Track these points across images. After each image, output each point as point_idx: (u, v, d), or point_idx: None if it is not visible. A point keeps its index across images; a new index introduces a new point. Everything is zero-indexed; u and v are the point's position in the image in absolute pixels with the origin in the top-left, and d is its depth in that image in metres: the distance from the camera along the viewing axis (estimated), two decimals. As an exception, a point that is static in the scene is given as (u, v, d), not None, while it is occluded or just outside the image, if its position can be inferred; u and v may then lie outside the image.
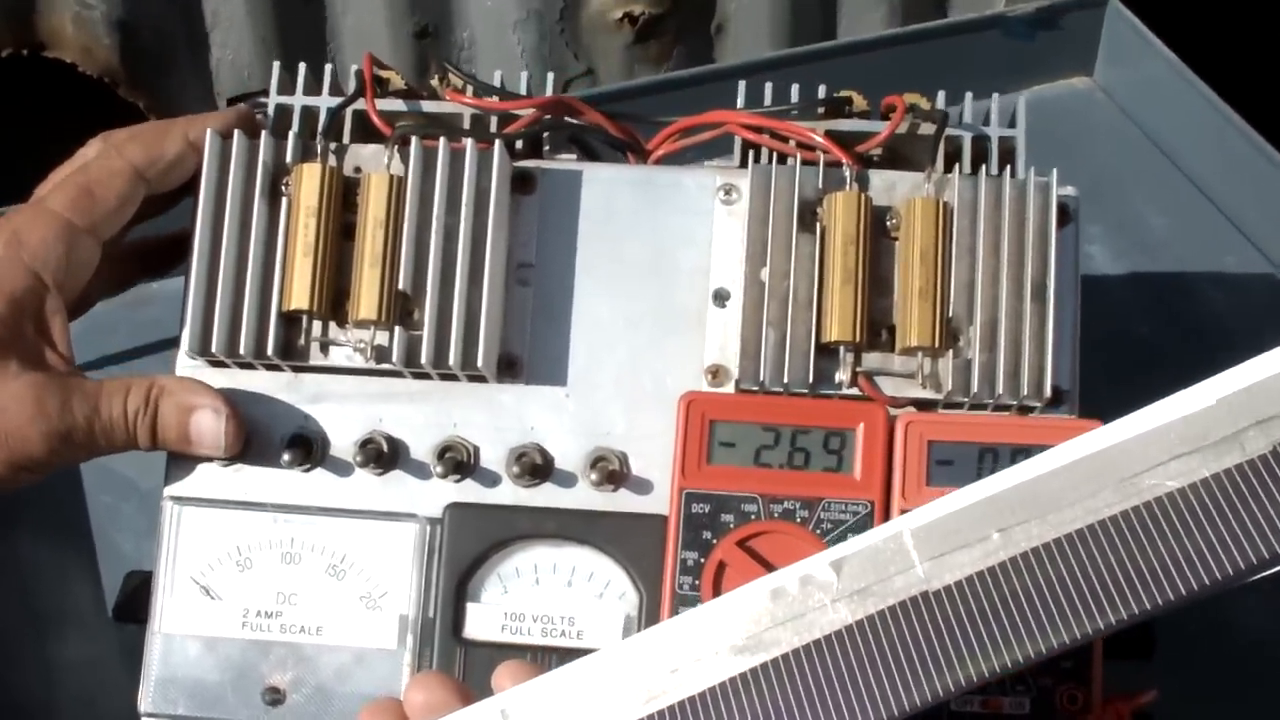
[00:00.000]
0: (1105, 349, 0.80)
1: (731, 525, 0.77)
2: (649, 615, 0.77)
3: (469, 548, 0.77)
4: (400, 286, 0.77)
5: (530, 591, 0.77)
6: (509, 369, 0.79)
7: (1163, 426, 0.58)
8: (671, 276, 0.79)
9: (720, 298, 0.79)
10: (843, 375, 0.78)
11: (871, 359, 0.77)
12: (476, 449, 0.78)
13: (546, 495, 0.77)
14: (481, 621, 0.77)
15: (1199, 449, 0.56)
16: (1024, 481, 0.59)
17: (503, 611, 0.77)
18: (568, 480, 0.78)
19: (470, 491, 0.78)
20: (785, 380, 0.76)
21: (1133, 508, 0.57)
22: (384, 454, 0.78)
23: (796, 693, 0.57)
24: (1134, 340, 1.11)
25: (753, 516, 0.77)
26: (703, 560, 0.76)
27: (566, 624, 0.77)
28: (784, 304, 0.78)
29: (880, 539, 0.59)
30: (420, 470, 0.78)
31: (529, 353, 0.79)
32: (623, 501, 0.77)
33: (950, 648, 0.56)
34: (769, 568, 0.75)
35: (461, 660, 0.77)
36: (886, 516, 0.76)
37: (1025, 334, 0.76)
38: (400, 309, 0.77)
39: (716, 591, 0.75)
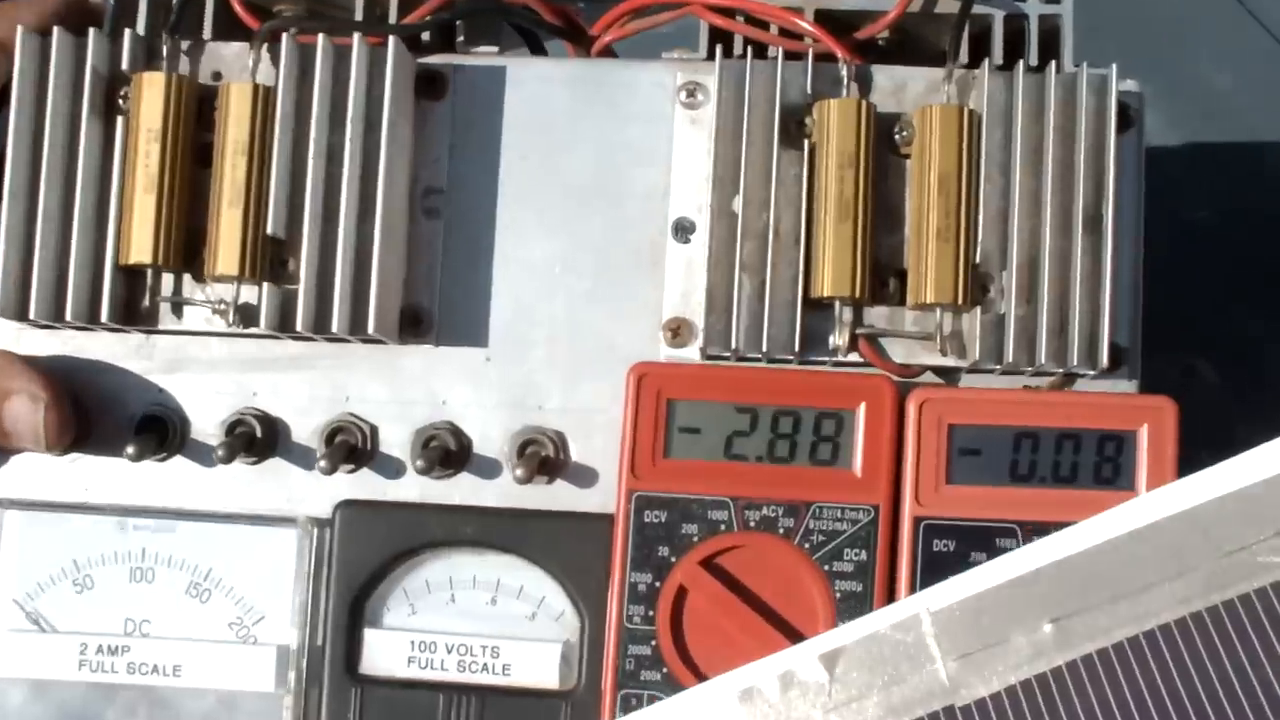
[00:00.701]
0: (1154, 242, 0.64)
1: (695, 539, 0.61)
2: (592, 644, 0.63)
3: (366, 557, 0.63)
4: (270, 230, 0.61)
5: (444, 613, 0.64)
6: (414, 327, 0.64)
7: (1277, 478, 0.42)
8: (620, 204, 0.64)
9: (682, 231, 0.64)
10: (838, 339, 0.62)
11: (876, 316, 0.63)
12: (374, 430, 0.65)
13: (463, 489, 0.64)
14: (383, 652, 0.64)
15: None
16: (1085, 550, 0.41)
17: (409, 640, 0.64)
18: (490, 470, 0.64)
19: (367, 485, 0.64)
20: (764, 345, 0.61)
21: (1240, 596, 0.40)
22: (258, 438, 0.64)
23: None
24: (1190, 229, 0.92)
25: (722, 527, 0.61)
26: (658, 584, 0.61)
27: (489, 656, 0.64)
28: (762, 243, 0.61)
29: (888, 624, 0.44)
30: (304, 458, 0.65)
31: (440, 306, 0.64)
32: (559, 497, 0.64)
33: None
34: (746, 595, 0.60)
35: (357, 703, 0.62)
36: (896, 526, 0.61)
37: (1075, 279, 0.61)
38: (271, 258, 0.62)
39: (676, 628, 0.60)
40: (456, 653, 0.63)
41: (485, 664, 0.63)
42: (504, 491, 0.63)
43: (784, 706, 0.44)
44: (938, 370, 0.63)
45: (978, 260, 0.61)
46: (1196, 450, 0.58)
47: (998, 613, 0.44)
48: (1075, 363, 0.60)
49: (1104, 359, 0.60)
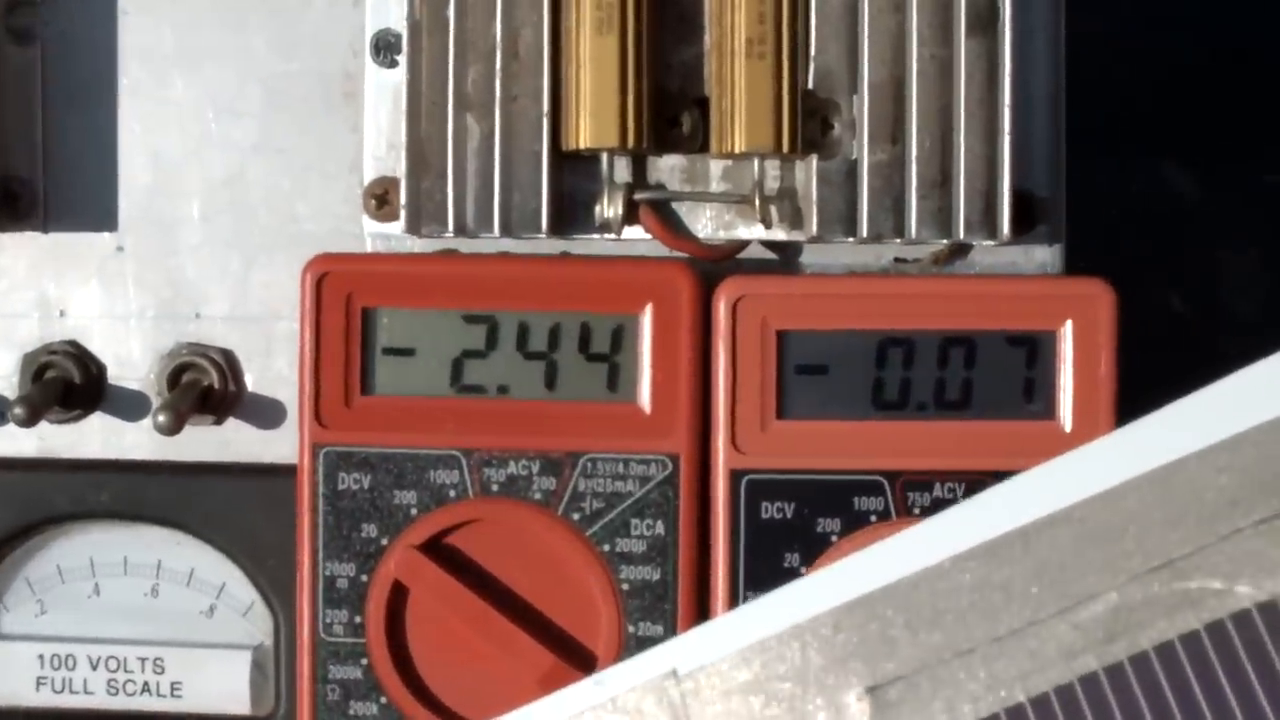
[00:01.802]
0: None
1: (414, 512, 0.43)
2: (292, 649, 0.45)
3: None
4: None
5: (85, 611, 0.48)
6: (9, 208, 0.47)
7: (1225, 446, 0.27)
8: (298, 13, 0.46)
9: (387, 50, 0.45)
10: (609, 208, 0.42)
11: (665, 171, 0.44)
12: None
13: (98, 438, 0.48)
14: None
15: None
16: (919, 571, 0.28)
17: (37, 654, 0.48)
18: (133, 408, 0.47)
19: None
20: (496, 220, 0.42)
21: (1180, 636, 0.26)
22: None
23: None
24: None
25: (452, 493, 0.43)
26: (364, 578, 0.43)
27: (152, 671, 0.48)
28: (489, 68, 0.42)
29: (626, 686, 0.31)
30: None
31: (44, 174, 0.47)
32: (233, 444, 0.47)
33: None
34: (491, 590, 0.43)
35: (-38, 750, 0.45)
36: (706, 484, 0.43)
37: (959, 103, 0.42)
38: None
39: (395, 639, 0.43)
40: (105, 668, 0.48)
41: (146, 683, 0.48)
42: (155, 439, 0.47)
43: None
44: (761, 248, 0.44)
45: (810, 84, 0.42)
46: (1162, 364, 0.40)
47: (782, 676, 0.29)
48: (964, 229, 0.42)
49: (1006, 222, 0.41)
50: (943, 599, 0.29)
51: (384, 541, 0.43)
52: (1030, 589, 0.28)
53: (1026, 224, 0.43)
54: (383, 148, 0.45)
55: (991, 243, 0.42)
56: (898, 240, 0.42)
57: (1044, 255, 0.44)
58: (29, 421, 0.44)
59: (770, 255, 0.44)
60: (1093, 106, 0.49)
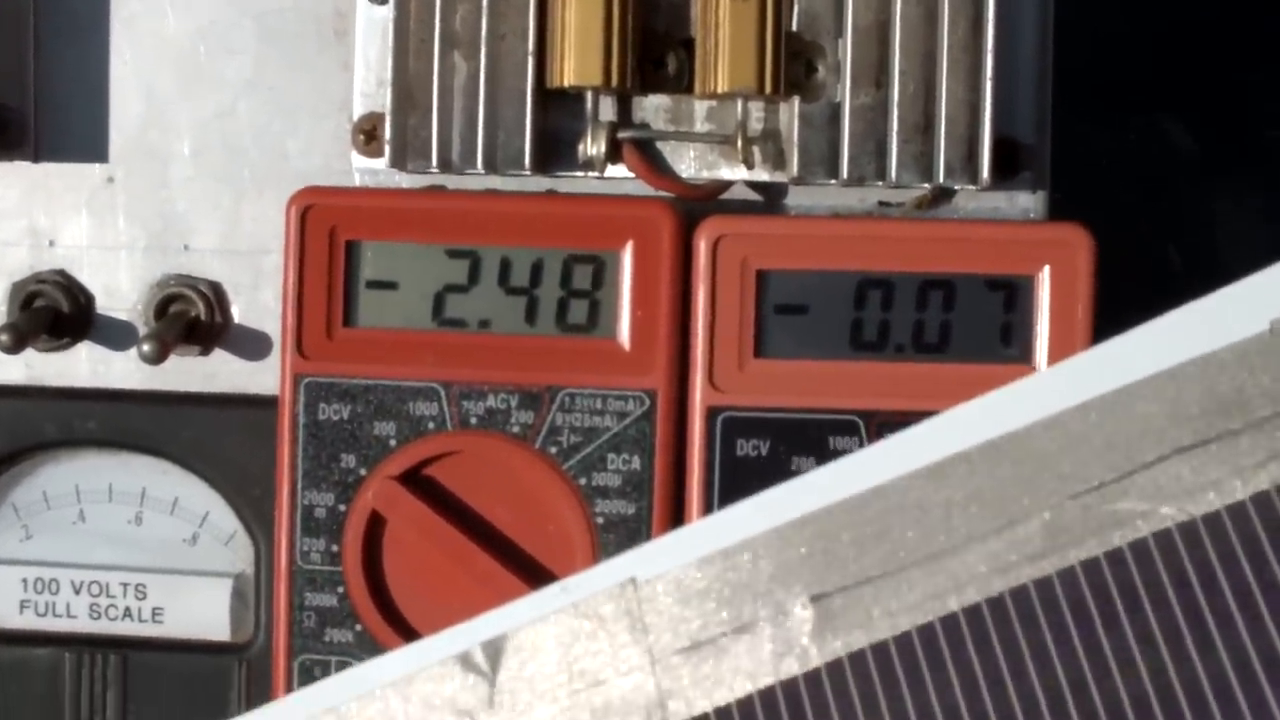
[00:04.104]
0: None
1: (393, 443, 0.43)
2: (269, 579, 0.46)
3: None
4: None
5: (69, 537, 0.48)
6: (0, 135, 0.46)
7: (1160, 378, 0.29)
8: None
9: None
10: (592, 146, 0.42)
11: (650, 111, 0.43)
12: None
13: (86, 367, 0.48)
14: (-15, 594, 0.47)
15: (1230, 432, 0.27)
16: (868, 490, 0.30)
17: (21, 577, 0.48)
18: (120, 337, 0.47)
19: None
20: (480, 156, 0.42)
21: (1084, 560, 0.28)
22: None
23: None
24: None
25: (431, 425, 0.43)
26: (343, 508, 0.44)
27: (134, 597, 0.48)
28: (475, 4, 0.42)
29: (588, 591, 0.32)
30: None
31: (35, 103, 0.47)
32: (219, 375, 0.47)
33: None
34: (467, 522, 0.43)
35: (-50, 670, 0.45)
36: (682, 421, 0.43)
37: (943, 46, 0.41)
38: None
39: (371, 569, 0.44)
40: (88, 593, 0.48)
41: (128, 608, 0.48)
42: (142, 369, 0.46)
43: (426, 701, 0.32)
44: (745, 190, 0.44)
45: (795, 26, 0.41)
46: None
47: (736, 586, 0.30)
48: (945, 173, 0.41)
49: (986, 168, 0.41)
50: (887, 517, 0.29)
51: (363, 472, 0.43)
52: (970, 508, 0.29)
53: (1009, 170, 0.43)
54: (372, 84, 0.44)
55: (973, 188, 0.42)
56: (879, 183, 0.42)
57: (1027, 202, 0.43)
58: (14, 348, 0.44)
59: (754, 196, 0.44)
60: (1090, 60, 0.49)
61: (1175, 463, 0.27)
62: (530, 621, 0.32)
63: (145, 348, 0.44)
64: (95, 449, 0.47)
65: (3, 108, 0.46)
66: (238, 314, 0.47)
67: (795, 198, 0.44)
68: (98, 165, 0.47)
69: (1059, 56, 0.44)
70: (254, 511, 0.46)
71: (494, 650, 0.33)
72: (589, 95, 0.42)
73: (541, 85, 0.42)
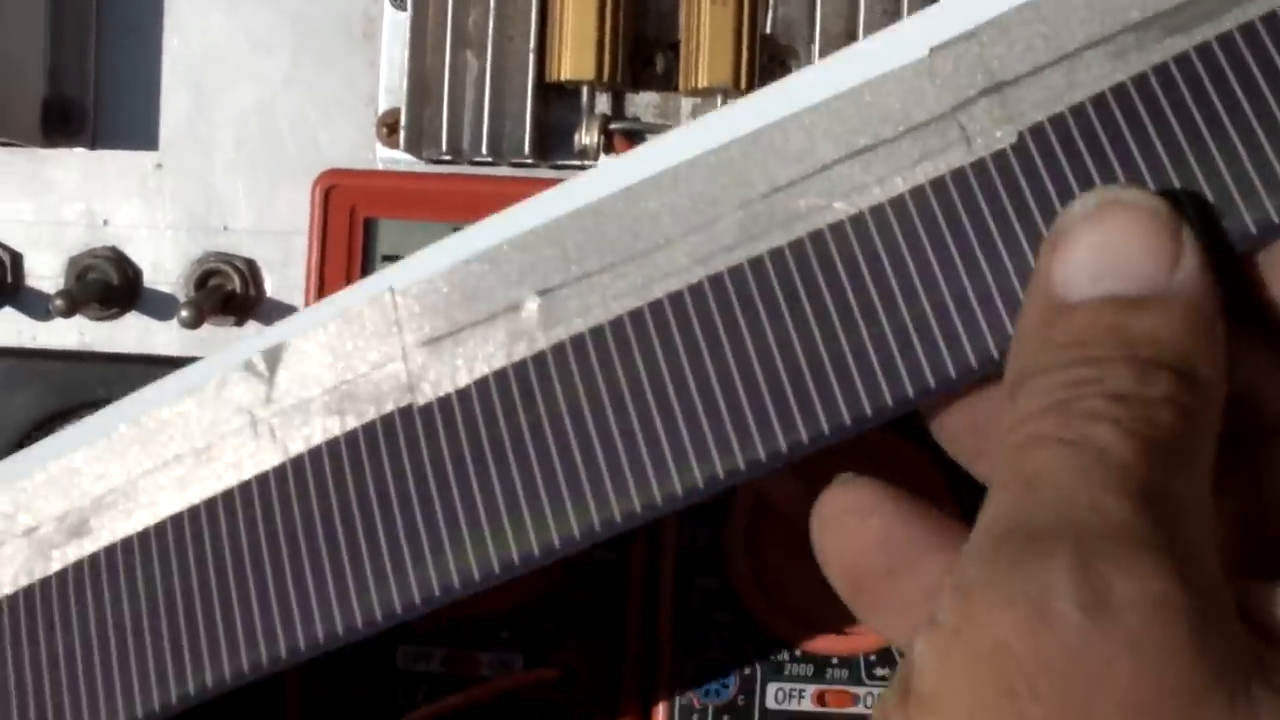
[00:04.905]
0: None
1: None
2: None
3: (8, 420, 0.50)
4: None
5: None
6: (62, 126, 0.51)
7: (827, 105, 0.33)
8: None
9: None
10: (586, 136, 0.45)
11: (642, 105, 0.48)
12: (16, 259, 0.51)
13: (133, 334, 0.51)
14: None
15: (893, 138, 0.32)
16: (590, 204, 0.35)
17: None
18: (164, 308, 0.51)
19: (9, 327, 0.52)
20: (485, 143, 0.47)
21: (770, 250, 0.33)
22: None
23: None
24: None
25: None
26: None
27: None
28: (486, 8, 0.47)
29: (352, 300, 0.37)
30: (-78, 293, 0.51)
31: (95, 97, 0.51)
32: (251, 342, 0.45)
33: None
34: None
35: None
36: None
37: None
38: None
39: None
40: None
41: None
42: (183, 335, 0.51)
43: (218, 405, 0.37)
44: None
45: (770, 29, 0.45)
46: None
47: (476, 288, 0.35)
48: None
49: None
50: (605, 224, 0.34)
51: (375, 428, 0.47)
52: (675, 212, 0.33)
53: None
54: (396, 82, 0.49)
55: (932, 180, 0.46)
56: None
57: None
58: (68, 313, 0.49)
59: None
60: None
61: (848, 165, 0.32)
62: (304, 330, 0.37)
63: (184, 314, 0.48)
64: (138, 409, 0.51)
65: (66, 100, 0.51)
66: (270, 288, 0.50)
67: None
68: (148, 153, 0.51)
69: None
70: (280, 468, 0.50)
71: (273, 356, 0.37)
72: (585, 90, 0.46)
73: (542, 80, 0.46)
